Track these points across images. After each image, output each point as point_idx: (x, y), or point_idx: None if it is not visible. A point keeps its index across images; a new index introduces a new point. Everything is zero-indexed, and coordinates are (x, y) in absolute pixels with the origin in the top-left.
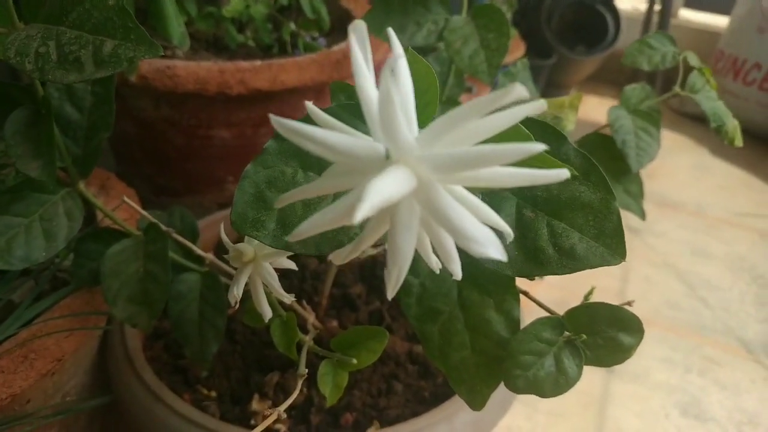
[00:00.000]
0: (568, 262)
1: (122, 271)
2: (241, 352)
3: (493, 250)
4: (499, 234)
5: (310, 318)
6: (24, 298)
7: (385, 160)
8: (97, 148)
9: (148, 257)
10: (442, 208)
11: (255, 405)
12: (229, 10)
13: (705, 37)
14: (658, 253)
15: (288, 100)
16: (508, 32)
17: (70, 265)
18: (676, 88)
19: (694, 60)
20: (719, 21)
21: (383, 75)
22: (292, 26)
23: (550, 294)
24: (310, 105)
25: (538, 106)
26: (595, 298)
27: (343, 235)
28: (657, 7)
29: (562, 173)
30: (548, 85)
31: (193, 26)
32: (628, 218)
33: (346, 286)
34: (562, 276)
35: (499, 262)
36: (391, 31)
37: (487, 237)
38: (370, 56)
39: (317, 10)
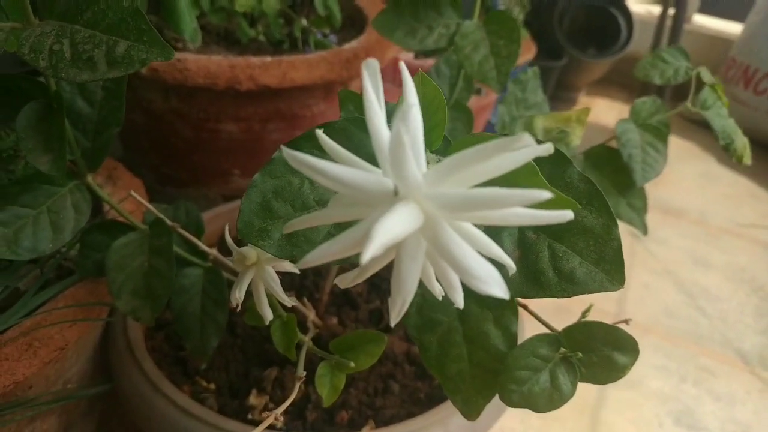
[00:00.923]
0: (567, 286)
1: (127, 264)
2: (241, 346)
3: (496, 288)
4: (501, 265)
5: (310, 315)
6: (30, 287)
7: (394, 196)
8: (106, 142)
9: (153, 252)
10: (448, 246)
11: (253, 399)
12: (241, 5)
13: (718, 43)
14: (658, 260)
15: (297, 97)
16: (518, 39)
17: (76, 256)
18: (687, 104)
19: (707, 76)
20: (733, 28)
21: (395, 120)
22: (304, 22)
23: (549, 300)
24: (321, 134)
25: (545, 149)
26: (595, 304)
27: None
28: (671, 11)
29: (566, 215)
30: (558, 87)
31: (205, 19)
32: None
33: None
34: None
35: None
36: (403, 67)
37: (491, 275)
38: (381, 93)
39: (329, 7)
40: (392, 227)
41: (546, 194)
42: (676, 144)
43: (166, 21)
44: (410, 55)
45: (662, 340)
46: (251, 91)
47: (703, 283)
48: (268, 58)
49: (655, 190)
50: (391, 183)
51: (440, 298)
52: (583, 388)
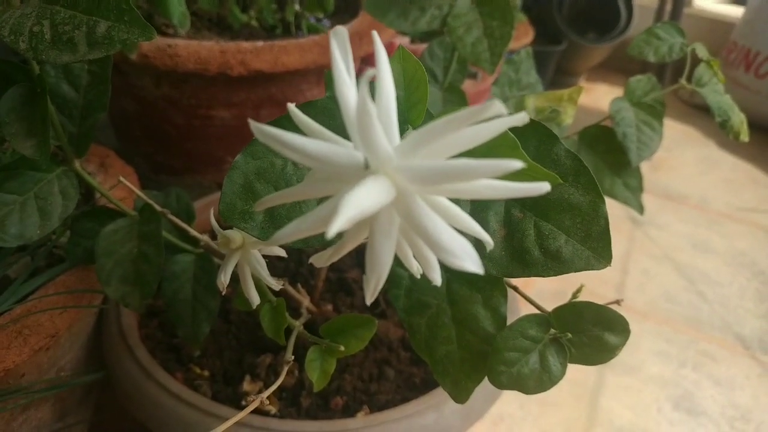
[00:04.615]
0: (554, 265)
1: (116, 251)
2: (235, 333)
3: (469, 263)
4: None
5: (305, 301)
6: (20, 274)
7: (364, 170)
8: (92, 127)
9: (142, 238)
10: (420, 220)
11: (246, 386)
12: None
13: (719, 27)
14: (658, 245)
15: (290, 82)
16: (512, 20)
17: (66, 243)
18: (683, 81)
19: (702, 52)
20: (734, 11)
21: (360, 84)
22: (297, 7)
23: (548, 284)
24: (291, 107)
25: (520, 119)
26: (594, 289)
27: None
28: None
29: (543, 187)
30: (557, 72)
31: (197, 5)
32: (629, 209)
33: (343, 271)
34: None
35: (484, 263)
36: (375, 35)
37: (464, 250)
38: (351, 62)
39: None
40: (360, 201)
41: (517, 164)
42: (676, 129)
43: (155, 5)
44: (406, 40)
45: (662, 325)
46: (243, 77)
47: (703, 268)
48: (260, 43)
49: (655, 175)
50: (361, 156)
51: (418, 276)
52: (581, 373)
